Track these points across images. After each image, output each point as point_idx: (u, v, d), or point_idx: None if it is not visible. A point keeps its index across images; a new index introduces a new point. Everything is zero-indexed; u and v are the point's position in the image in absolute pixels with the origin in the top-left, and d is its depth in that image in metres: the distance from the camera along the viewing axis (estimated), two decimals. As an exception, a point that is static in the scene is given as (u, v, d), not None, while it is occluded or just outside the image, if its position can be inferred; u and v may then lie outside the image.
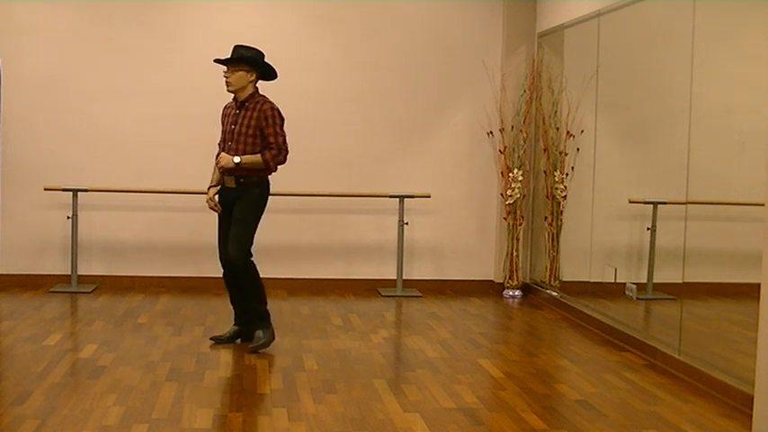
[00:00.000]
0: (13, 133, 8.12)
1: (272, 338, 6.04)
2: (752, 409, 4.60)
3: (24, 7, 8.13)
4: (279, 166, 6.00)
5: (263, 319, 6.06)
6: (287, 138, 5.97)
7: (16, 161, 8.13)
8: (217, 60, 6.03)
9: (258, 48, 6.06)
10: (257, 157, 5.92)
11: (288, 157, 5.97)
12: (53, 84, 8.15)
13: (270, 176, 6.08)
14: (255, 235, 6.04)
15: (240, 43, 6.07)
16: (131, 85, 8.21)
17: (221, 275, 6.15)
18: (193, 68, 8.13)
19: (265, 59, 6.03)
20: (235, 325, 6.20)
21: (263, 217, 6.08)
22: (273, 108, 5.94)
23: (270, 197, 6.13)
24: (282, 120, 5.96)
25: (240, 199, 5.99)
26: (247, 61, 5.93)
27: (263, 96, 6.03)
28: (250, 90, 5.99)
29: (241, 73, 5.93)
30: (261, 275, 6.07)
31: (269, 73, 6.07)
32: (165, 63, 8.25)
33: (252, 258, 6.02)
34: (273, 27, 8.29)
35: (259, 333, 6.00)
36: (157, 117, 8.22)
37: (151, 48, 8.24)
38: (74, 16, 8.18)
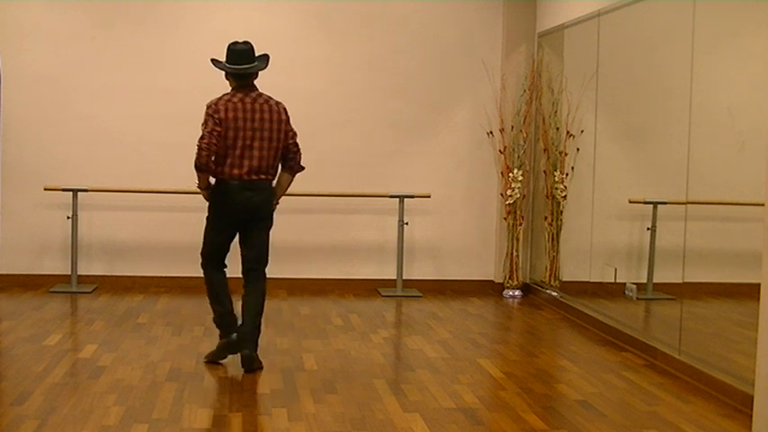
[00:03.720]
0: (13, 133, 8.12)
1: (217, 354, 5.59)
2: (752, 409, 4.59)
3: (24, 7, 8.13)
4: (198, 167, 5.43)
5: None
6: (206, 133, 5.42)
7: (16, 161, 8.13)
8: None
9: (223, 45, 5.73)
10: None
11: (201, 156, 5.38)
12: (53, 84, 8.16)
13: (227, 180, 5.50)
14: (211, 240, 5.64)
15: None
16: (131, 85, 8.22)
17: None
18: (193, 68, 8.13)
19: (222, 58, 5.63)
20: None
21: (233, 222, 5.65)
22: (206, 105, 5.56)
23: None
24: (207, 116, 5.48)
25: None
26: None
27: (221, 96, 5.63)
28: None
29: None
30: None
31: (228, 66, 5.59)
32: (165, 63, 8.25)
33: (208, 263, 5.64)
34: (274, 27, 8.29)
35: None
36: (157, 117, 8.22)
37: (151, 48, 8.24)
38: (74, 16, 8.18)
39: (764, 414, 4.46)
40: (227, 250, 5.70)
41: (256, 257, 5.65)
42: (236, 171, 5.49)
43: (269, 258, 5.74)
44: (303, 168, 5.75)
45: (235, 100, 5.55)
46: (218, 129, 5.45)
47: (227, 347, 5.58)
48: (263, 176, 5.55)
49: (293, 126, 5.72)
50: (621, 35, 6.85)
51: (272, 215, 5.72)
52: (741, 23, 5.52)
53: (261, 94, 5.64)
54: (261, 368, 5.54)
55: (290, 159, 5.66)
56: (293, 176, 5.74)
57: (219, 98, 5.59)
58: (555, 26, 7.95)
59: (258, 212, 5.60)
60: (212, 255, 5.66)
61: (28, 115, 8.14)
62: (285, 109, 5.68)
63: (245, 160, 5.50)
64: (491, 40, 8.49)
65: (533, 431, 4.50)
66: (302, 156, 5.71)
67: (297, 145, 5.68)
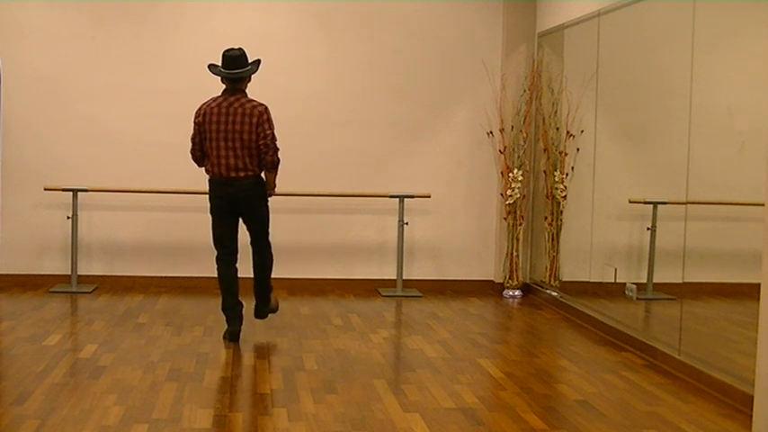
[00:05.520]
0: (13, 133, 8.12)
1: (226, 332, 6.23)
2: (752, 409, 4.60)
3: (24, 7, 8.13)
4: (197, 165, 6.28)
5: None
6: (190, 141, 6.17)
7: (16, 161, 8.13)
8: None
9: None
10: None
11: (193, 160, 6.24)
12: (53, 84, 8.16)
13: (211, 177, 6.17)
14: (213, 231, 6.27)
15: (240, 46, 6.23)
16: (131, 85, 8.22)
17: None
18: (193, 68, 8.09)
19: (215, 64, 6.18)
20: None
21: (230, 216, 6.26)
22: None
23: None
24: (193, 122, 6.13)
25: None
26: None
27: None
28: None
29: None
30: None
31: (221, 71, 6.13)
32: (165, 63, 8.25)
33: (217, 254, 6.27)
34: (274, 28, 8.30)
35: None
36: (157, 117, 8.22)
37: (151, 48, 8.24)
38: (74, 16, 8.18)
39: (764, 414, 4.46)
40: (231, 238, 6.25)
41: (254, 234, 6.36)
42: (215, 169, 6.09)
43: (269, 230, 6.38)
44: (277, 163, 6.17)
45: (213, 105, 6.07)
46: (198, 135, 6.10)
47: (229, 334, 6.20)
48: (241, 174, 6.08)
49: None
50: (621, 35, 6.85)
51: (259, 203, 6.22)
52: (741, 23, 5.52)
53: (240, 98, 6.07)
54: (274, 311, 6.57)
55: (261, 159, 6.13)
56: (272, 173, 6.21)
57: (204, 103, 6.13)
58: (555, 26, 7.95)
59: (242, 205, 6.16)
60: (216, 242, 6.26)
61: (28, 115, 8.14)
62: (263, 111, 6.06)
63: (222, 159, 6.06)
64: (491, 40, 8.48)
65: (533, 431, 4.51)
66: (275, 153, 6.11)
67: (267, 145, 6.07)
